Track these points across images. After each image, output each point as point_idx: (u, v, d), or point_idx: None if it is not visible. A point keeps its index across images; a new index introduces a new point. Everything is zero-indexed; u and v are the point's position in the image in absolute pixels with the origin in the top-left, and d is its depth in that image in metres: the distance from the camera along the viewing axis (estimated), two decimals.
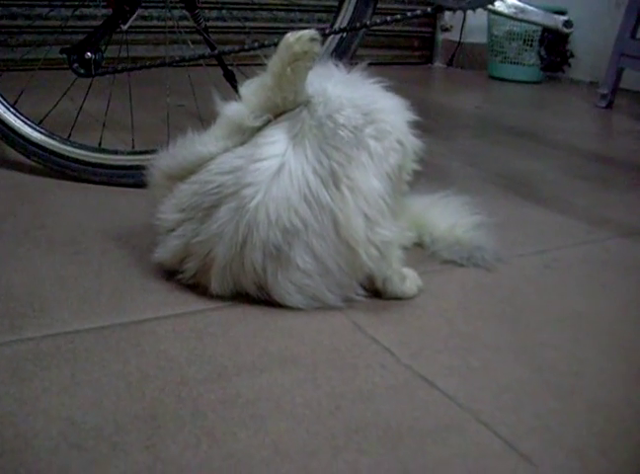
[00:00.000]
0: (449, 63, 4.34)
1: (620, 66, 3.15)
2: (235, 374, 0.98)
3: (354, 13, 1.66)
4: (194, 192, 1.15)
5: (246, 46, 1.66)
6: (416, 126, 1.23)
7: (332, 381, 0.98)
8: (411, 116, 1.22)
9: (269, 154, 1.12)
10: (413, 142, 1.21)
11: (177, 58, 1.68)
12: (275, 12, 3.74)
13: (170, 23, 1.95)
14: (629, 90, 3.47)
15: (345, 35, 1.67)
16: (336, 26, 1.66)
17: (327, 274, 1.13)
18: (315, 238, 1.11)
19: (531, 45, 3.79)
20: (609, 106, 3.22)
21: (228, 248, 1.12)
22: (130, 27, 1.71)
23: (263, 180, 1.11)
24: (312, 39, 1.11)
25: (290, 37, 1.12)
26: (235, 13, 3.54)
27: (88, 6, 3.07)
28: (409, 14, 1.61)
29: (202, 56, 1.71)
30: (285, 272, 1.12)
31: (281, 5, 3.75)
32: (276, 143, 1.13)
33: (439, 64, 4.40)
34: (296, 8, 3.80)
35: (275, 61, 1.13)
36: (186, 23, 1.98)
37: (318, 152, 1.12)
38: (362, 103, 1.17)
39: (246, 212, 1.10)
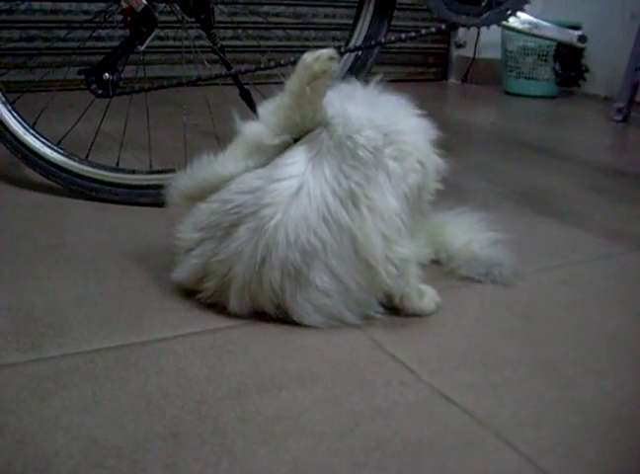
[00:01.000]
0: (464, 79, 4.35)
1: (636, 80, 3.15)
2: (255, 392, 0.98)
3: (368, 31, 1.67)
4: (213, 211, 1.16)
5: (262, 66, 1.67)
6: (435, 144, 1.24)
7: (351, 398, 0.98)
8: (434, 134, 1.23)
9: (288, 174, 1.13)
10: (435, 162, 1.22)
11: (193, 78, 1.69)
12: (289, 31, 3.76)
13: (186, 42, 1.96)
14: None
15: (360, 52, 1.68)
16: (351, 44, 1.68)
17: (346, 292, 1.14)
18: (334, 258, 1.11)
19: (546, 60, 3.79)
20: (625, 119, 3.21)
21: (247, 267, 1.13)
22: (147, 47, 1.72)
23: (282, 200, 1.11)
24: (331, 59, 1.13)
25: (309, 56, 1.13)
26: (250, 32, 3.56)
27: (105, 27, 3.10)
28: (423, 31, 1.62)
29: (219, 76, 1.73)
30: (304, 291, 1.12)
31: (296, 24, 3.78)
32: (295, 164, 1.14)
33: (453, 80, 4.40)
34: (311, 27, 3.82)
35: (293, 81, 1.14)
36: (202, 42, 1.99)
37: (337, 172, 1.13)
38: (383, 123, 1.18)
39: (265, 232, 1.11)
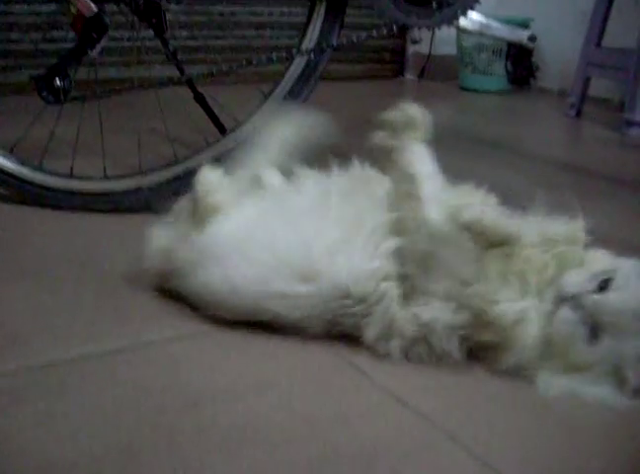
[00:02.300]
0: (420, 75, 4.36)
1: (587, 75, 3.19)
2: (210, 401, 0.98)
3: (320, 34, 1.67)
4: None
5: (214, 71, 1.67)
6: None
7: (307, 405, 0.98)
8: None
9: None
10: None
11: (145, 83, 1.68)
12: (245, 30, 3.75)
13: (139, 44, 1.93)
14: (597, 97, 3.51)
15: (312, 56, 1.67)
16: (302, 47, 1.67)
17: None
18: None
19: (501, 56, 3.82)
20: (578, 114, 3.26)
21: None
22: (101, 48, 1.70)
23: None
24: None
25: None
26: (205, 32, 3.54)
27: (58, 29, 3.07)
28: (374, 33, 1.63)
29: (172, 81, 1.72)
30: None
31: (252, 22, 3.77)
32: None
33: (410, 77, 4.42)
34: (267, 25, 3.81)
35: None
36: (156, 42, 1.97)
37: None
38: None
39: None
